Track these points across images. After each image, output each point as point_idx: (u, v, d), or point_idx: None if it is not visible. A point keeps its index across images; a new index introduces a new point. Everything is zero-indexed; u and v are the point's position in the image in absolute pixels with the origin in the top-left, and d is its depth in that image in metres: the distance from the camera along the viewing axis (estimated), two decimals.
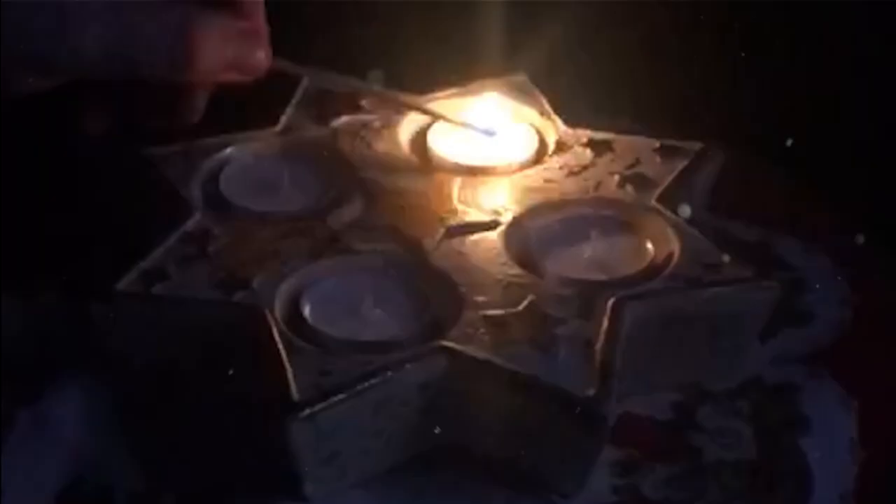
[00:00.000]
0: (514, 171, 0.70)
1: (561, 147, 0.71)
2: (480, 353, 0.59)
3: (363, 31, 0.68)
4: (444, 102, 0.73)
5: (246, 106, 0.68)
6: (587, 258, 0.65)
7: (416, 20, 0.81)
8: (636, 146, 0.71)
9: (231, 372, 0.60)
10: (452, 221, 0.66)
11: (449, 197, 0.68)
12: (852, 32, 0.77)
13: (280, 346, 0.59)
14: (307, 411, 0.57)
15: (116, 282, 0.62)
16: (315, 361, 0.59)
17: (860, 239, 0.69)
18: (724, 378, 0.64)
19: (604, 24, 0.79)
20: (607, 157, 0.71)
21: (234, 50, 0.60)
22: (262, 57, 0.61)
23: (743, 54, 0.77)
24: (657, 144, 0.71)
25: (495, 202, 0.68)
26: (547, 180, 0.69)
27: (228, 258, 0.64)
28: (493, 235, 0.66)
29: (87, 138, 0.63)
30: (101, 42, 0.58)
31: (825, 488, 0.60)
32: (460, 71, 0.75)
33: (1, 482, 0.59)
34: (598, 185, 0.69)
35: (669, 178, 0.69)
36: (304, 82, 0.74)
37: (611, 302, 0.61)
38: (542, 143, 0.72)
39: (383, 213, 0.67)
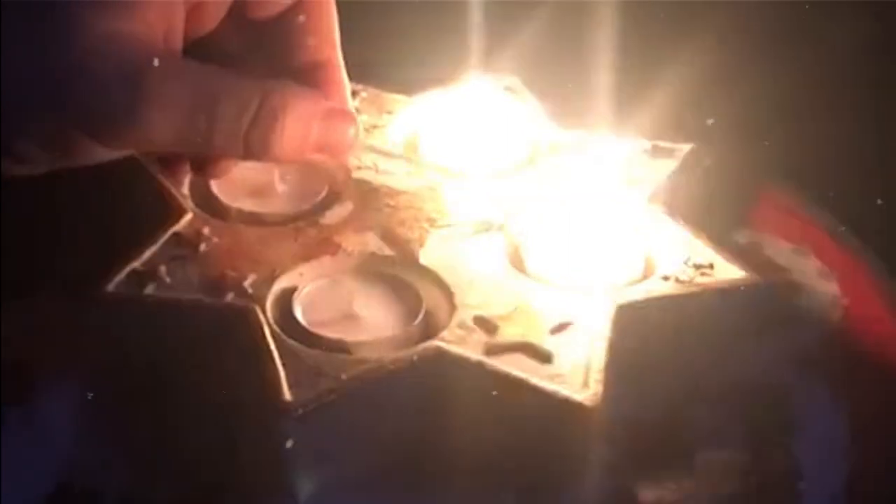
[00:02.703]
0: (506, 173, 0.70)
1: (553, 149, 0.71)
2: (472, 355, 0.59)
3: (352, 30, 0.68)
4: (436, 103, 0.73)
5: None
6: (579, 259, 0.65)
7: (406, 21, 0.81)
8: (628, 147, 0.71)
9: (223, 373, 0.60)
10: (444, 222, 0.66)
11: (441, 198, 0.68)
12: (844, 34, 0.77)
13: (272, 346, 0.59)
14: (299, 412, 0.56)
15: (107, 283, 0.62)
16: (307, 362, 0.59)
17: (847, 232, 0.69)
18: (715, 379, 0.64)
19: (595, 25, 0.79)
20: (599, 158, 0.71)
21: (319, 131, 0.59)
22: (349, 137, 0.60)
23: (735, 55, 0.78)
24: (649, 146, 0.71)
25: (487, 203, 0.68)
26: (539, 181, 0.69)
27: (220, 259, 0.64)
28: (486, 236, 0.66)
29: None
30: (174, 122, 0.57)
31: (816, 490, 0.60)
32: (451, 72, 0.75)
33: None
34: (589, 187, 0.69)
35: (661, 180, 0.69)
36: None
37: (603, 303, 0.62)
38: (535, 145, 0.72)
39: (375, 214, 0.67)
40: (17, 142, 0.58)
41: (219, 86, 0.58)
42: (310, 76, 0.62)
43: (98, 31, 0.56)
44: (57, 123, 0.57)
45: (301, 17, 0.62)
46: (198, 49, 0.61)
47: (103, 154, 0.60)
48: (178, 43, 0.60)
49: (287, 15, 0.62)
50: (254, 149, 0.58)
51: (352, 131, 0.60)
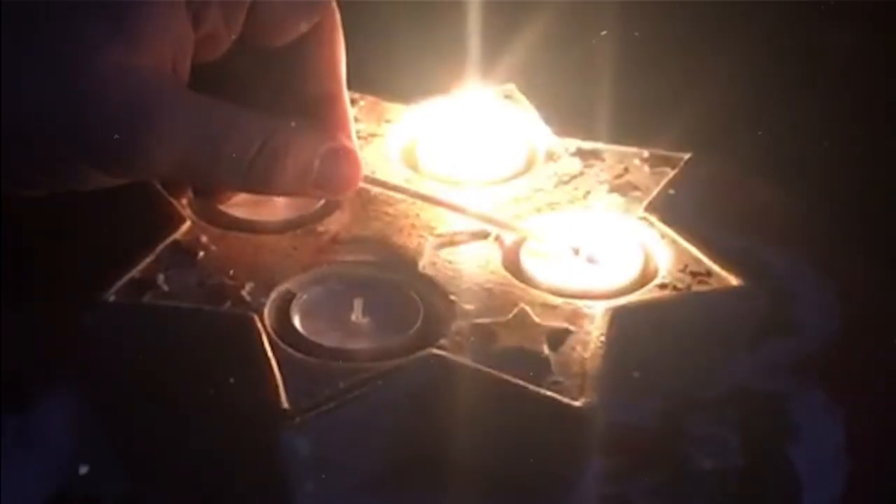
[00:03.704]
0: (503, 181, 0.70)
1: (550, 156, 0.71)
2: (470, 362, 0.59)
3: (350, 38, 0.68)
4: (434, 111, 0.73)
5: None
6: (576, 267, 0.65)
7: (404, 28, 0.81)
8: (625, 155, 0.71)
9: (221, 381, 0.60)
10: (442, 230, 0.66)
11: (438, 206, 0.68)
12: (843, 42, 0.77)
13: (270, 354, 0.59)
14: (297, 420, 0.57)
15: (106, 291, 0.62)
16: (305, 370, 0.59)
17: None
18: (712, 387, 0.64)
19: (592, 32, 0.79)
20: (596, 166, 0.71)
21: (319, 170, 0.60)
22: (350, 176, 0.61)
23: (733, 62, 0.78)
24: (646, 154, 0.71)
25: (485, 211, 0.68)
26: (536, 189, 0.69)
27: (218, 267, 0.64)
28: (483, 244, 0.66)
29: None
30: (178, 155, 0.57)
31: (813, 497, 0.60)
32: (449, 80, 0.75)
33: None
34: (586, 195, 0.69)
35: (658, 188, 0.69)
36: None
37: (600, 311, 0.62)
38: (532, 153, 0.72)
39: (373, 222, 0.67)
40: (20, 168, 0.59)
41: (224, 122, 0.58)
42: (314, 109, 0.63)
43: (109, 64, 0.57)
44: (63, 153, 0.58)
45: (310, 49, 0.62)
46: (204, 73, 0.62)
47: (105, 182, 0.60)
48: (186, 73, 0.60)
49: (296, 46, 0.63)
50: (255, 184, 0.59)
51: (354, 169, 0.61)
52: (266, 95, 0.63)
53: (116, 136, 0.56)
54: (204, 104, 0.59)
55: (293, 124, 0.60)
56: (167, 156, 0.57)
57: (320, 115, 0.63)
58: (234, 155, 0.58)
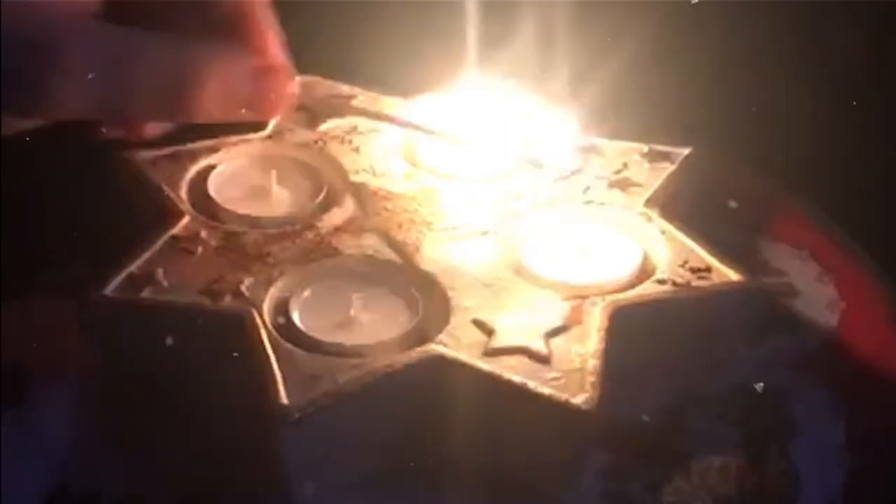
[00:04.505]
0: (503, 176, 0.70)
1: (550, 150, 0.71)
2: (469, 358, 0.59)
3: (349, 33, 0.68)
4: (433, 106, 0.73)
5: None
6: (576, 263, 0.65)
7: (403, 23, 0.81)
8: (624, 151, 0.71)
9: (220, 376, 0.60)
10: (441, 226, 0.66)
11: (438, 201, 0.68)
12: (840, 39, 0.77)
13: (269, 350, 0.59)
14: (296, 416, 0.57)
15: (104, 286, 0.62)
16: (304, 366, 0.59)
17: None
18: (712, 383, 0.64)
19: (593, 26, 0.79)
20: (595, 161, 0.71)
21: (245, 90, 0.57)
22: (281, 93, 0.58)
23: (733, 58, 0.78)
24: (645, 149, 0.71)
25: (484, 207, 0.68)
26: (535, 185, 0.69)
27: (217, 262, 0.64)
28: (482, 240, 0.66)
29: (74, 140, 0.62)
30: (87, 90, 0.54)
31: (813, 493, 0.60)
32: (447, 74, 0.75)
33: None
34: (586, 190, 0.69)
35: (657, 183, 0.69)
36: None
37: (599, 306, 0.62)
38: (532, 147, 0.72)
39: (372, 218, 0.67)
40: None
41: (135, 49, 0.55)
42: (235, 28, 0.58)
43: (9, 1, 0.53)
44: None
45: None
46: (115, 9, 0.58)
47: (25, 123, 0.58)
48: (92, 4, 0.56)
49: None
50: (177, 112, 0.56)
51: (283, 86, 0.58)
52: (183, 25, 0.58)
53: (19, 72, 0.53)
54: (112, 33, 0.55)
55: (213, 45, 0.57)
56: (79, 92, 0.54)
57: (242, 33, 0.58)
58: (150, 83, 0.55)
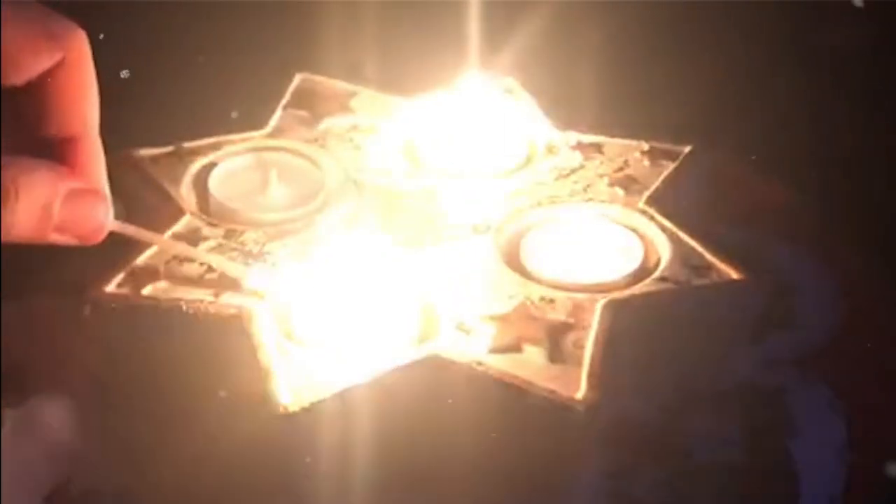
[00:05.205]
0: (503, 174, 0.70)
1: (550, 150, 0.71)
2: (469, 357, 0.59)
3: (350, 32, 0.68)
4: (434, 105, 0.73)
5: (235, 108, 0.67)
6: (577, 261, 0.65)
7: (403, 22, 0.81)
8: (625, 149, 0.71)
9: (220, 374, 0.60)
10: (442, 224, 0.66)
11: (438, 199, 0.68)
12: (842, 38, 0.77)
13: (269, 347, 0.59)
14: (296, 413, 0.57)
15: (106, 283, 0.62)
16: (304, 364, 0.59)
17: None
18: (713, 381, 0.64)
19: (592, 25, 0.79)
20: (596, 159, 0.71)
21: (61, 212, 0.55)
22: (97, 220, 0.56)
23: (733, 56, 0.78)
24: (646, 147, 0.71)
25: (485, 205, 0.68)
26: (536, 183, 0.69)
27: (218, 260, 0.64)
28: (483, 238, 0.66)
29: None
30: None
31: (814, 491, 0.60)
32: (448, 73, 0.75)
33: None
34: (587, 188, 0.69)
35: (658, 181, 0.69)
36: (294, 84, 0.74)
37: (600, 305, 0.62)
38: (532, 146, 0.72)
39: (373, 216, 0.67)
40: None
41: None
42: (61, 151, 0.56)
43: None
44: None
45: (53, 88, 0.55)
46: None
47: None
48: None
49: (37, 84, 0.56)
50: None
51: (100, 212, 0.56)
52: (10, 141, 0.55)
53: None
54: None
55: (27, 163, 0.54)
56: None
57: (67, 157, 0.56)
58: None
